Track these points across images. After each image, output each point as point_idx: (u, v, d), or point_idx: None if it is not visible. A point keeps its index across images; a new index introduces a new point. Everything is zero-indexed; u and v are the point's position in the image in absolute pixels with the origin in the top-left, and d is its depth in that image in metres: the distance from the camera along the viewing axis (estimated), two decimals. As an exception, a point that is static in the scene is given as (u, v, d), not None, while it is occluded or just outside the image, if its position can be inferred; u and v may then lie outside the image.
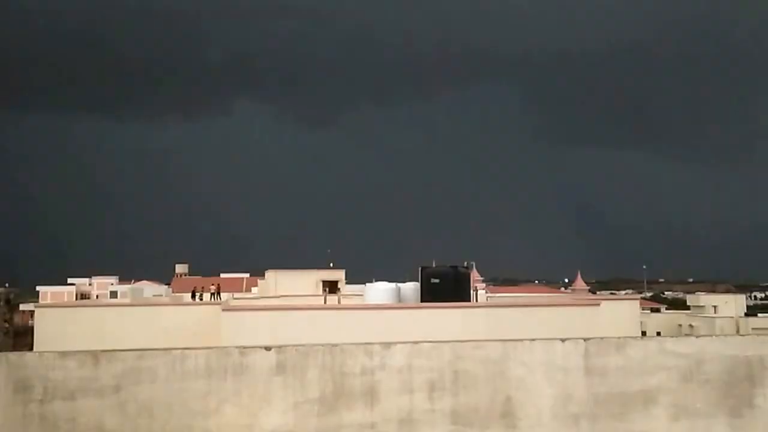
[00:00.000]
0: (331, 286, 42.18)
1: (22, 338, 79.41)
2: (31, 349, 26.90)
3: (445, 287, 26.60)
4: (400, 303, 26.97)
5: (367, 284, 30.33)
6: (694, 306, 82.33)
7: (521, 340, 11.70)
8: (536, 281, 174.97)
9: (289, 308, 25.93)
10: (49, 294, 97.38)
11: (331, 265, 50.91)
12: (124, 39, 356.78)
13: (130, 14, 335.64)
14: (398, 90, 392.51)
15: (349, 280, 45.83)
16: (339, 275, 45.62)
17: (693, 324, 74.39)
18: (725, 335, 14.96)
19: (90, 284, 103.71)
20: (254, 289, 55.30)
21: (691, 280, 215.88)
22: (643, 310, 64.11)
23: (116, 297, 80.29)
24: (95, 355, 10.58)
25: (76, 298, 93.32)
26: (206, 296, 40.85)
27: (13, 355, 10.84)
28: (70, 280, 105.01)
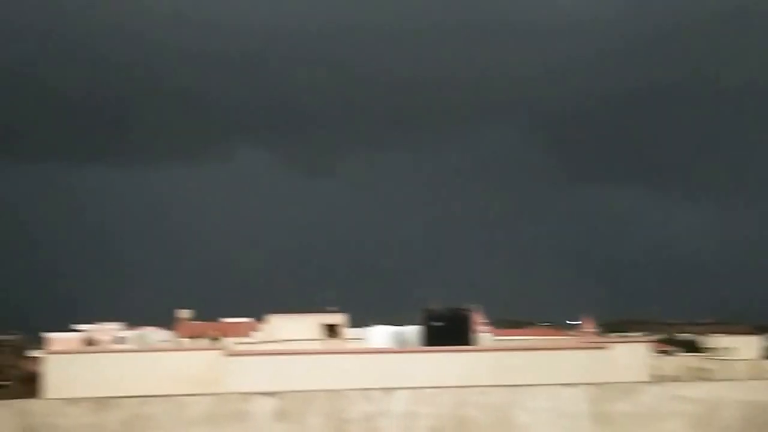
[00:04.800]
0: (332, 331, 41.90)
1: (29, 385, 78.93)
2: (38, 396, 26.79)
3: (447, 330, 26.34)
4: (401, 347, 26.77)
5: (368, 328, 30.18)
6: (709, 348, 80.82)
7: (526, 385, 11.56)
8: (542, 323, 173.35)
9: (290, 353, 25.74)
10: (55, 340, 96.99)
11: (332, 309, 50.67)
12: (122, 85, 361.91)
13: (125, 62, 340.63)
14: (399, 133, 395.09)
15: (351, 325, 45.52)
16: (340, 319, 45.39)
17: (708, 367, 72.98)
18: (743, 379, 14.76)
19: (95, 330, 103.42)
20: (256, 334, 55.03)
21: (705, 320, 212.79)
22: (654, 352, 63.13)
23: (121, 343, 79.83)
24: (100, 402, 10.53)
25: (83, 345, 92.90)
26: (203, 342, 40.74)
27: (21, 403, 10.83)
28: (76, 326, 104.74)
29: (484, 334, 34.40)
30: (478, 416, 11.16)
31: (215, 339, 40.77)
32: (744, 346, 74.27)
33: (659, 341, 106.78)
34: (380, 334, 27.90)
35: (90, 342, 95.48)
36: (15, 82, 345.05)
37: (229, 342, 40.34)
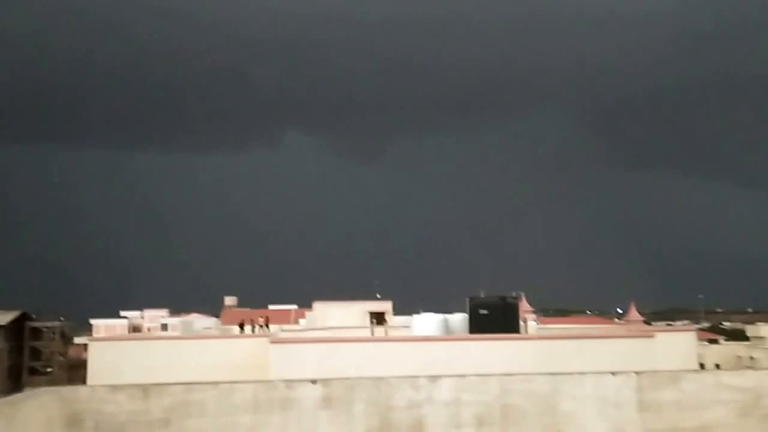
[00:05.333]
0: (379, 318, 41.94)
1: (76, 371, 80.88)
2: (85, 382, 27.31)
3: (493, 318, 26.31)
4: (447, 335, 26.76)
5: (414, 316, 30.17)
6: (754, 337, 79.83)
7: (571, 373, 11.47)
8: (588, 312, 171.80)
9: (336, 340, 25.91)
10: (102, 327, 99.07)
11: (379, 296, 50.81)
12: (174, 72, 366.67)
13: (178, 49, 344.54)
14: (446, 119, 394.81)
15: (397, 312, 45.59)
16: (386, 306, 45.44)
17: (753, 356, 72.03)
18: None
19: (141, 317, 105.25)
20: (302, 321, 55.45)
21: (750, 309, 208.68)
22: (700, 341, 62.33)
23: (167, 330, 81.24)
24: (145, 389, 10.67)
25: (129, 331, 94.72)
26: (249, 329, 41.04)
27: (66, 390, 11.01)
28: (122, 313, 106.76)
29: (531, 323, 34.19)
30: (523, 404, 11.12)
31: (261, 326, 41.03)
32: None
33: (705, 330, 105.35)
34: (426, 322, 27.89)
35: (136, 329, 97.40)
36: (73, 67, 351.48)
37: (275, 329, 40.65)
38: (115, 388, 10.76)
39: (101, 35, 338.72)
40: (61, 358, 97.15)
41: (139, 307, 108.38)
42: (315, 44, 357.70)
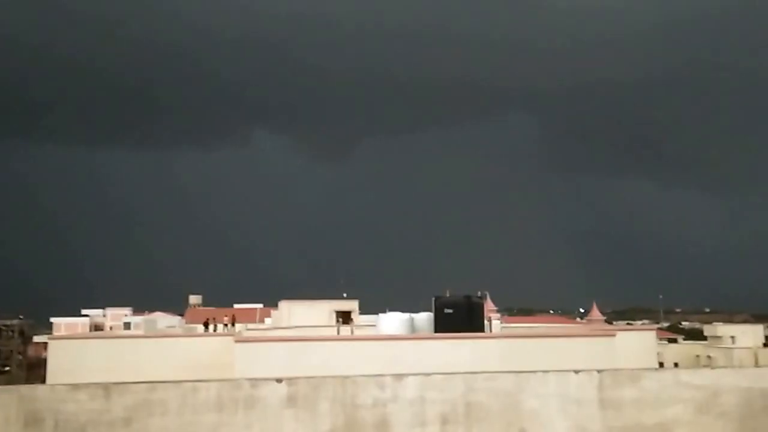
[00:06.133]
0: (345, 317, 41.92)
1: (35, 370, 79.68)
2: (44, 381, 26.89)
3: (458, 317, 26.46)
4: (413, 334, 26.82)
5: (380, 315, 30.19)
6: (711, 336, 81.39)
7: (534, 371, 11.60)
8: (552, 311, 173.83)
9: (302, 339, 25.85)
10: (62, 325, 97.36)
11: (345, 295, 50.78)
12: (141, 69, 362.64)
13: (145, 46, 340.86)
14: (413, 121, 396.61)
15: (363, 311, 45.64)
16: (352, 306, 45.47)
17: (711, 355, 73.48)
18: (741, 367, 14.81)
19: (104, 315, 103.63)
20: (268, 320, 55.16)
21: (708, 309, 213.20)
22: (660, 340, 63.37)
23: (130, 328, 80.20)
24: (106, 388, 10.56)
25: (90, 330, 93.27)
26: (219, 327, 40.71)
27: (25, 388, 10.85)
28: (83, 312, 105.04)
29: (495, 322, 34.41)
30: (487, 402, 11.22)
31: (226, 325, 40.76)
32: (744, 335, 74.85)
33: (665, 329, 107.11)
34: (392, 321, 27.92)
35: (97, 327, 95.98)
36: (38, 60, 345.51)
37: (241, 328, 40.40)
38: (75, 387, 10.64)
39: (67, 29, 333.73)
40: (20, 357, 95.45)
41: (102, 305, 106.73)
42: (285, 42, 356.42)
